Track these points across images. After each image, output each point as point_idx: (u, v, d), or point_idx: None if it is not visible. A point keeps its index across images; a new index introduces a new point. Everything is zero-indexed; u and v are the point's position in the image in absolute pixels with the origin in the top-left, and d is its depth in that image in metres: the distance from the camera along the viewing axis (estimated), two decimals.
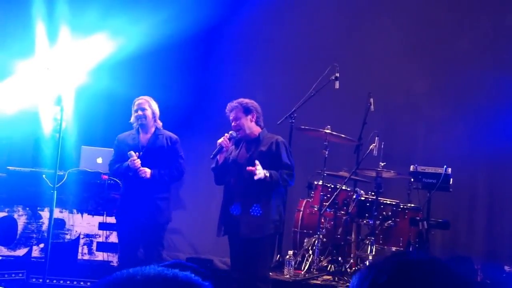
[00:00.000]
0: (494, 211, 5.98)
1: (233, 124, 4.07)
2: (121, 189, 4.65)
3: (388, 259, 0.98)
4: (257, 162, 3.87)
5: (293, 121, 5.36)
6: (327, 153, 5.12)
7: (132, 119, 4.41)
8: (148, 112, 4.36)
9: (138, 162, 4.23)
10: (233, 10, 6.49)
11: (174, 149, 4.42)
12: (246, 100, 4.10)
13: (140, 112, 4.34)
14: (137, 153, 4.27)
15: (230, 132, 4.05)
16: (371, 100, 5.37)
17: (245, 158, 4.01)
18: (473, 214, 6.04)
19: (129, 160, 4.25)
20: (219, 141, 4.02)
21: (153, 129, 4.41)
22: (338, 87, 5.33)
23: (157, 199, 4.31)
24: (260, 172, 3.84)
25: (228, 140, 4.02)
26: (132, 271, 0.92)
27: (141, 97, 4.41)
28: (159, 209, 4.32)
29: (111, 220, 4.96)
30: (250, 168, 3.85)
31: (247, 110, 4.06)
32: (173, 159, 4.39)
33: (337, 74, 5.31)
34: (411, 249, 5.11)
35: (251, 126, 4.07)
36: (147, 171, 4.25)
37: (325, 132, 5.11)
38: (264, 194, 3.99)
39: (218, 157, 4.07)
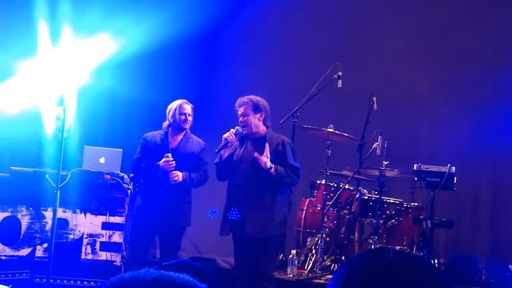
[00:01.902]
0: (498, 209, 5.96)
1: (240, 119, 4.07)
2: (140, 188, 4.66)
3: (361, 258, 0.97)
4: (266, 147, 3.87)
5: (296, 120, 5.35)
6: (330, 152, 5.11)
7: (169, 121, 4.41)
8: (191, 118, 4.46)
9: (173, 164, 4.25)
10: (235, 10, 6.49)
11: (203, 155, 4.47)
12: (258, 98, 4.10)
13: (189, 118, 4.43)
14: (170, 153, 4.28)
15: (236, 127, 4.05)
16: (374, 99, 5.36)
17: (251, 157, 4.00)
18: (477, 212, 6.02)
19: (163, 161, 4.25)
20: (225, 135, 4.02)
21: (183, 132, 4.46)
22: (340, 86, 5.32)
23: (182, 202, 4.35)
24: (267, 161, 3.84)
25: (233, 135, 4.02)
26: (127, 276, 0.90)
27: (186, 101, 4.47)
28: (182, 212, 4.36)
29: (114, 219, 4.97)
30: (258, 155, 3.85)
31: (256, 108, 4.06)
32: (200, 164, 4.44)
33: (340, 73, 5.30)
34: (414, 248, 5.09)
35: (258, 124, 4.07)
36: (179, 175, 4.27)
37: (328, 131, 5.10)
38: (269, 194, 3.98)
39: (222, 152, 4.08)
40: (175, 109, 4.42)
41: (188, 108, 4.44)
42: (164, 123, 4.49)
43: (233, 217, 4.03)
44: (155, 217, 4.31)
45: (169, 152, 4.31)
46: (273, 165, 3.89)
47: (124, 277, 0.90)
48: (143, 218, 4.39)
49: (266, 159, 3.85)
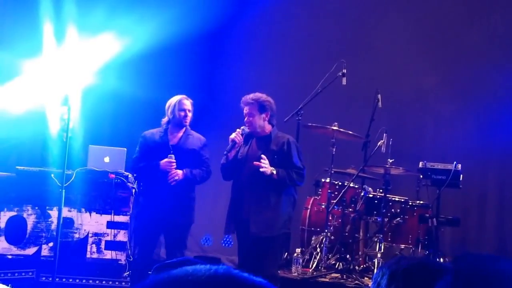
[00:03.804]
0: (504, 207, 5.91)
1: (246, 119, 4.06)
2: (141, 187, 4.63)
3: (459, 262, 1.01)
4: (263, 156, 3.87)
5: (300, 118, 5.34)
6: (334, 150, 5.09)
7: (168, 118, 4.33)
8: (191, 114, 4.39)
9: (174, 165, 4.21)
10: (239, 8, 6.48)
11: (204, 151, 4.43)
12: (263, 97, 4.07)
13: (189, 114, 4.36)
14: (173, 155, 4.24)
15: (241, 127, 4.04)
16: (379, 96, 5.33)
17: (256, 156, 4.00)
18: (484, 211, 5.98)
19: (165, 161, 4.20)
20: (232, 136, 4.01)
21: (183, 129, 4.41)
22: (345, 83, 5.30)
23: (186, 198, 4.32)
24: (267, 167, 3.83)
25: (240, 136, 4.02)
26: (191, 269, 0.84)
27: (185, 96, 4.39)
28: (186, 209, 4.33)
29: (119, 218, 4.98)
30: (257, 163, 3.84)
31: (262, 108, 4.04)
32: (202, 161, 4.40)
33: (344, 71, 5.28)
34: (420, 246, 5.06)
35: (263, 124, 4.06)
36: (179, 173, 4.23)
37: (333, 129, 5.08)
38: (274, 193, 3.98)
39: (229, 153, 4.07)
40: (175, 105, 4.34)
41: (187, 103, 4.36)
42: (163, 119, 4.41)
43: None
44: (159, 216, 4.27)
45: (170, 149, 4.26)
46: (275, 170, 3.88)
47: (184, 271, 0.84)
48: (147, 217, 4.35)
49: (265, 169, 3.83)
